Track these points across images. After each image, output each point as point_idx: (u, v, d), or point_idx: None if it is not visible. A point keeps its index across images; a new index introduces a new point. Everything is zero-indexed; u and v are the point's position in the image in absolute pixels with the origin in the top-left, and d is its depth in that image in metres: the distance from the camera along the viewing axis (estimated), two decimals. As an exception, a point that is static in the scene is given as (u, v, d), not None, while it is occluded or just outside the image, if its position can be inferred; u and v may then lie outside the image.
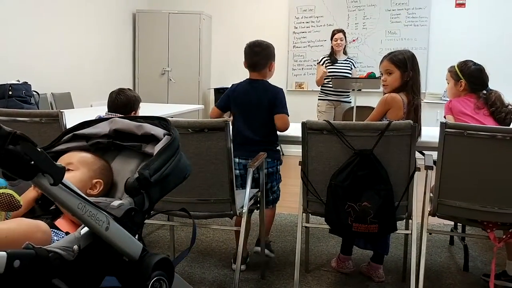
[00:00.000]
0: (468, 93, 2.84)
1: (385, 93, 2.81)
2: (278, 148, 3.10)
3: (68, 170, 1.48)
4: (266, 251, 3.04)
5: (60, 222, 1.40)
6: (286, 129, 2.98)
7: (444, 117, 2.87)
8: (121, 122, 1.64)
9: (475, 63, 2.89)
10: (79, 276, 1.18)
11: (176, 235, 3.50)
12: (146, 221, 2.83)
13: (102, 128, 1.66)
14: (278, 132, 3.03)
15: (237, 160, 2.86)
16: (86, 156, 1.59)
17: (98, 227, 1.20)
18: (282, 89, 3.05)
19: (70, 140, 1.66)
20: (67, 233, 1.34)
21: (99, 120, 1.70)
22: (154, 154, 1.46)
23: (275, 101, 2.96)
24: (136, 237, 1.38)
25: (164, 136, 1.54)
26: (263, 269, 2.92)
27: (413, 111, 2.73)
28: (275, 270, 3.01)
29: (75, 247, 1.17)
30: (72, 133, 1.67)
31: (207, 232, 3.66)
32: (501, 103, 2.77)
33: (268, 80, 3.06)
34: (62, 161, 1.53)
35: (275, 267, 3.05)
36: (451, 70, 2.93)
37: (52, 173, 1.07)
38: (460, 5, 6.96)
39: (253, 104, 2.95)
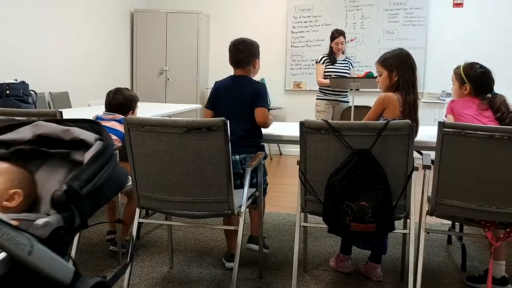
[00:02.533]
0: (472, 96, 2.82)
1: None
2: (263, 143, 3.08)
3: None
4: (257, 246, 3.03)
5: None
6: (267, 124, 2.99)
7: (446, 115, 2.87)
8: (46, 126, 1.46)
9: (481, 66, 2.84)
10: None
11: (174, 234, 3.50)
12: (144, 220, 2.85)
13: (24, 133, 1.47)
14: (274, 131, 3.04)
15: None
16: (1, 165, 1.39)
17: (18, 252, 1.02)
18: (264, 84, 3.09)
19: None
20: None
21: (21, 124, 1.51)
22: (85, 162, 1.32)
23: (255, 95, 2.96)
24: (70, 260, 1.23)
25: (95, 142, 1.39)
26: (261, 269, 2.92)
27: (410, 108, 2.75)
28: (273, 269, 3.01)
29: None
30: None
31: (204, 232, 3.66)
32: (506, 108, 2.74)
33: (253, 77, 3.09)
34: None
35: (273, 267, 3.05)
36: (457, 73, 2.88)
37: None
38: (458, 5, 6.97)
39: (235, 99, 2.96)
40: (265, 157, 3.07)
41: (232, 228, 2.97)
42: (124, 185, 1.44)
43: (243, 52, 3.02)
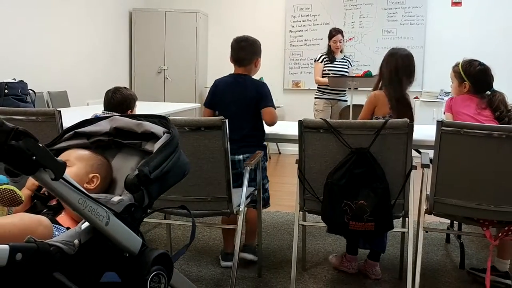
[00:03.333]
0: (471, 94, 2.80)
1: None
2: (265, 143, 3.07)
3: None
4: (250, 255, 3.01)
5: (61, 218, 1.42)
6: (274, 122, 2.98)
7: (444, 113, 2.87)
8: (121, 120, 1.66)
9: (480, 63, 2.82)
10: (79, 270, 1.20)
11: (173, 233, 3.50)
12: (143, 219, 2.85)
13: (103, 126, 1.67)
14: (273, 130, 3.03)
15: None
16: (83, 152, 1.61)
17: (98, 222, 1.22)
18: (265, 83, 3.08)
19: (71, 138, 1.68)
20: (68, 229, 1.35)
21: (100, 118, 1.71)
22: (154, 151, 1.47)
23: (260, 95, 2.95)
24: (138, 233, 1.39)
25: (163, 134, 1.55)
26: (260, 267, 2.92)
27: (399, 103, 2.78)
28: (271, 268, 3.01)
29: (76, 241, 1.19)
30: (73, 131, 1.69)
31: (203, 231, 3.66)
32: (505, 106, 2.73)
33: (253, 76, 3.07)
34: (61, 157, 1.55)
35: (272, 265, 3.05)
36: (456, 70, 2.87)
37: (53, 168, 1.09)
38: (456, 3, 6.97)
39: (237, 99, 2.93)
40: (266, 159, 3.06)
41: (231, 227, 2.98)
42: (187, 173, 1.62)
43: (246, 50, 2.99)
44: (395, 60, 2.91)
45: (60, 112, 2.75)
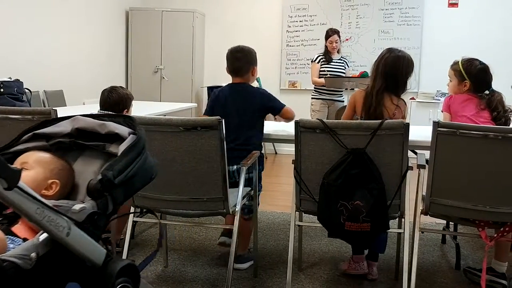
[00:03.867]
0: (471, 93, 2.79)
1: None
2: (262, 151, 3.06)
3: (23, 169, 1.41)
4: (245, 264, 3.00)
5: (17, 228, 1.32)
6: (293, 116, 3.04)
7: (442, 111, 2.86)
8: (83, 121, 1.58)
9: (480, 62, 2.81)
10: (38, 285, 1.13)
11: (169, 233, 3.50)
12: (138, 219, 2.84)
13: (64, 127, 1.59)
14: (270, 131, 3.04)
15: None
16: (43, 155, 1.51)
17: (58, 233, 1.14)
18: (265, 89, 3.14)
19: (30, 139, 1.58)
20: (24, 240, 1.26)
21: (61, 118, 1.62)
22: (119, 154, 1.40)
23: (268, 103, 2.99)
24: (102, 242, 1.33)
25: (129, 135, 1.48)
26: (256, 268, 2.92)
27: (370, 97, 2.76)
28: (268, 268, 3.01)
29: (33, 254, 1.11)
30: (32, 132, 1.59)
31: (200, 231, 3.66)
32: (502, 107, 2.73)
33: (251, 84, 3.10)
34: (18, 161, 1.48)
35: (268, 266, 3.05)
36: (456, 69, 2.84)
37: (6, 176, 1.01)
38: (453, 5, 6.99)
39: (238, 109, 2.93)
40: (262, 168, 3.05)
41: (227, 227, 2.98)
42: (154, 176, 1.51)
43: (241, 60, 3.00)
44: (379, 56, 2.84)
45: (56, 111, 2.74)
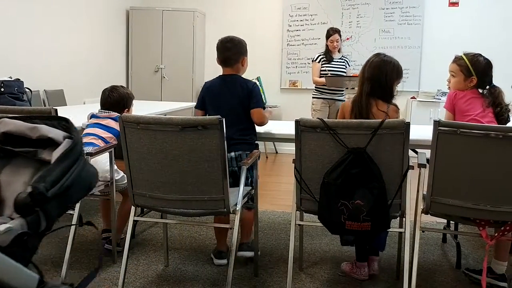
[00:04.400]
0: (475, 89, 2.76)
1: None
2: (256, 142, 3.06)
3: None
4: (248, 253, 3.02)
5: None
6: (263, 123, 3.00)
7: (445, 108, 2.83)
8: (11, 124, 1.37)
9: (484, 57, 2.79)
10: None
11: (169, 232, 3.50)
12: (139, 218, 2.84)
13: None
14: (270, 130, 3.04)
15: None
16: None
17: None
18: (255, 83, 3.09)
19: None
20: None
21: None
22: (52, 161, 1.24)
23: (250, 96, 2.96)
24: (34, 267, 1.15)
25: (64, 140, 1.31)
26: (256, 267, 2.92)
27: (356, 103, 2.72)
28: (268, 267, 3.01)
29: None
30: None
31: (200, 230, 3.66)
32: (503, 101, 2.73)
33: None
34: None
35: (269, 265, 3.05)
36: (462, 64, 2.77)
37: None
38: (454, 4, 6.98)
39: (227, 100, 2.95)
40: (258, 158, 3.06)
41: (226, 226, 2.98)
42: (93, 186, 1.34)
43: (231, 50, 3.00)
44: (366, 64, 2.80)
45: (56, 110, 2.74)
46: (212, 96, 3.00)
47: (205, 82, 3.12)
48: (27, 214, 1.09)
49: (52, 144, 1.32)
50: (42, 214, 1.12)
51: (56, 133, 1.33)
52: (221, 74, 3.07)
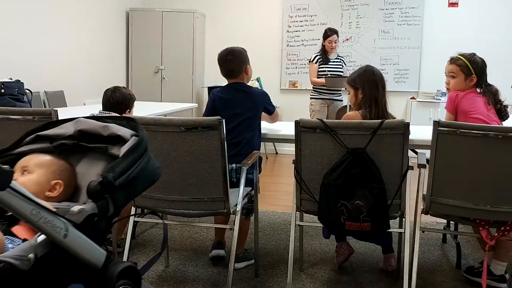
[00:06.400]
0: (474, 88, 2.78)
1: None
2: (260, 155, 3.04)
3: (24, 173, 1.45)
4: (242, 263, 3.01)
5: (17, 229, 1.30)
6: (277, 121, 3.29)
7: (446, 108, 2.83)
8: (86, 123, 1.57)
9: (478, 56, 2.82)
10: (37, 286, 1.12)
11: (170, 233, 3.51)
12: (139, 219, 2.85)
13: (67, 129, 1.58)
14: (270, 130, 3.06)
15: None
16: (43, 157, 1.51)
17: (55, 234, 1.12)
18: (261, 88, 3.23)
19: (33, 141, 1.58)
20: (24, 241, 1.25)
21: (64, 120, 1.62)
22: (120, 156, 1.39)
23: (267, 102, 3.09)
24: (102, 245, 1.31)
25: (131, 137, 1.46)
26: (257, 267, 2.92)
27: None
28: (268, 268, 3.01)
29: (31, 256, 1.10)
30: (35, 134, 1.58)
31: (200, 231, 3.66)
32: (501, 98, 2.77)
33: (253, 76, 3.18)
34: (18, 165, 1.48)
35: (269, 265, 3.05)
36: (461, 64, 2.78)
37: None
38: (453, 4, 6.99)
39: (240, 108, 2.95)
40: (259, 171, 3.05)
41: (227, 227, 2.98)
42: (157, 179, 1.50)
43: (233, 62, 3.02)
44: (377, 78, 2.79)
45: (56, 112, 2.75)
46: (224, 105, 2.99)
47: (213, 91, 3.12)
48: (97, 200, 1.25)
49: (121, 141, 1.49)
50: (110, 200, 1.28)
51: (124, 131, 1.50)
52: (227, 83, 3.09)
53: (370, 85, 2.75)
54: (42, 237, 1.14)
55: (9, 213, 1.32)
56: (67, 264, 1.19)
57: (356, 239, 2.93)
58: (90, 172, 1.53)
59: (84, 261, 1.22)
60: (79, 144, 1.57)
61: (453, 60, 2.85)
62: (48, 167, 1.48)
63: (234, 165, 2.84)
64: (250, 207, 2.94)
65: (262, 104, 3.06)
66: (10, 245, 1.22)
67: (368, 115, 2.68)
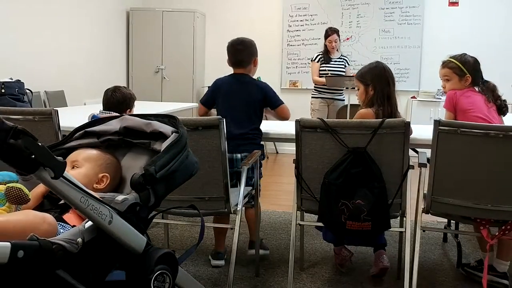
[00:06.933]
0: (471, 87, 2.78)
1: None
2: (262, 143, 3.08)
3: (74, 167, 1.57)
4: (261, 251, 3.05)
5: (68, 216, 1.42)
6: (289, 117, 3.09)
7: (445, 107, 2.84)
8: (131, 120, 1.68)
9: (469, 55, 2.84)
10: (83, 268, 1.21)
11: (170, 233, 3.51)
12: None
13: (113, 126, 1.69)
14: (271, 130, 3.05)
15: None
16: (91, 152, 1.62)
17: (101, 221, 1.23)
18: (265, 82, 3.16)
19: (82, 137, 1.70)
20: (73, 227, 1.35)
21: (111, 117, 1.73)
22: (161, 150, 1.48)
23: (268, 97, 3.02)
24: (144, 233, 1.40)
25: (172, 134, 1.57)
26: (257, 267, 2.92)
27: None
28: (269, 267, 3.01)
29: (79, 239, 1.20)
30: (83, 130, 1.70)
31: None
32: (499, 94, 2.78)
33: (254, 76, 3.14)
34: (68, 159, 1.58)
35: (270, 265, 3.05)
36: (453, 66, 2.81)
37: (53, 166, 1.09)
38: (453, 3, 6.99)
39: (241, 99, 2.96)
40: (263, 157, 3.08)
41: (228, 226, 2.98)
42: (195, 172, 1.59)
43: (243, 52, 3.03)
44: (388, 75, 2.77)
45: (57, 111, 2.75)
46: (224, 94, 3.01)
47: (216, 79, 3.12)
48: (140, 191, 1.36)
49: (162, 137, 1.59)
50: (152, 191, 1.39)
51: (165, 128, 1.61)
52: (232, 73, 3.09)
53: (381, 81, 2.73)
54: (90, 223, 1.24)
55: (61, 202, 1.48)
56: (111, 248, 1.29)
57: (354, 245, 2.93)
58: (134, 165, 1.64)
59: (126, 246, 1.31)
60: (124, 140, 1.68)
61: (444, 64, 2.88)
62: (96, 161, 1.59)
63: (239, 154, 2.87)
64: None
65: (262, 95, 3.01)
66: (62, 230, 1.32)
67: (381, 113, 2.66)
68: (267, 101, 3.03)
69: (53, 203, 1.51)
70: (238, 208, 2.51)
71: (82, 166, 1.57)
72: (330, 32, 5.69)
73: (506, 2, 6.82)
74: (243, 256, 3.11)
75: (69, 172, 1.48)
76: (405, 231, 2.53)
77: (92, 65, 6.44)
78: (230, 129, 2.83)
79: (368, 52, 7.11)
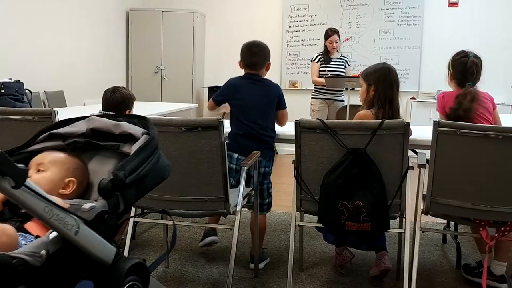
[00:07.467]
0: (458, 88, 2.78)
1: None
2: (274, 148, 3.09)
3: (39, 171, 1.48)
4: (261, 264, 3.02)
5: (30, 225, 1.33)
6: (285, 123, 3.11)
7: (437, 110, 2.84)
8: (98, 121, 1.59)
9: (459, 57, 2.81)
10: (48, 282, 1.14)
11: (169, 234, 3.50)
12: (139, 219, 2.84)
13: (79, 127, 1.61)
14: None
15: (235, 155, 2.87)
16: (57, 155, 1.54)
17: (66, 231, 1.15)
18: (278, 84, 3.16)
19: (46, 139, 1.61)
20: (37, 237, 1.27)
21: (77, 118, 1.64)
22: (131, 153, 1.42)
23: (280, 98, 3.04)
24: (112, 242, 1.34)
25: (142, 135, 1.50)
26: (257, 268, 2.92)
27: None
28: (268, 268, 3.01)
29: (43, 252, 1.13)
30: (48, 132, 1.61)
31: (200, 231, 3.65)
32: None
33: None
34: (33, 162, 1.51)
35: (269, 266, 3.05)
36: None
37: (13, 175, 1.02)
38: (453, 4, 6.99)
39: (257, 99, 2.94)
40: (271, 164, 3.07)
41: (227, 227, 2.98)
42: (167, 176, 1.52)
43: (258, 55, 3.00)
44: (392, 78, 2.76)
45: (56, 112, 2.74)
46: (240, 95, 2.97)
47: (230, 79, 3.07)
48: (108, 197, 1.29)
49: (132, 139, 1.52)
50: (121, 197, 1.31)
51: (135, 130, 1.54)
52: (245, 73, 3.06)
53: (384, 83, 2.72)
54: (54, 234, 1.17)
55: (23, 211, 1.34)
56: (78, 260, 1.22)
57: (353, 247, 2.92)
58: (102, 169, 1.55)
59: (94, 257, 1.24)
60: (91, 142, 1.60)
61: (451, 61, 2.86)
62: (63, 165, 1.50)
63: (236, 154, 2.88)
64: (264, 203, 3.02)
65: (276, 96, 3.02)
66: (23, 242, 1.24)
67: (381, 115, 2.65)
68: (279, 100, 3.04)
69: (14, 212, 1.40)
70: (237, 209, 2.51)
71: (48, 169, 1.48)
72: (331, 32, 5.68)
73: (506, 2, 6.82)
74: (242, 257, 3.11)
75: (33, 176, 1.45)
76: (404, 232, 2.53)
77: (91, 65, 6.44)
78: (246, 129, 2.88)
79: (367, 52, 7.11)
